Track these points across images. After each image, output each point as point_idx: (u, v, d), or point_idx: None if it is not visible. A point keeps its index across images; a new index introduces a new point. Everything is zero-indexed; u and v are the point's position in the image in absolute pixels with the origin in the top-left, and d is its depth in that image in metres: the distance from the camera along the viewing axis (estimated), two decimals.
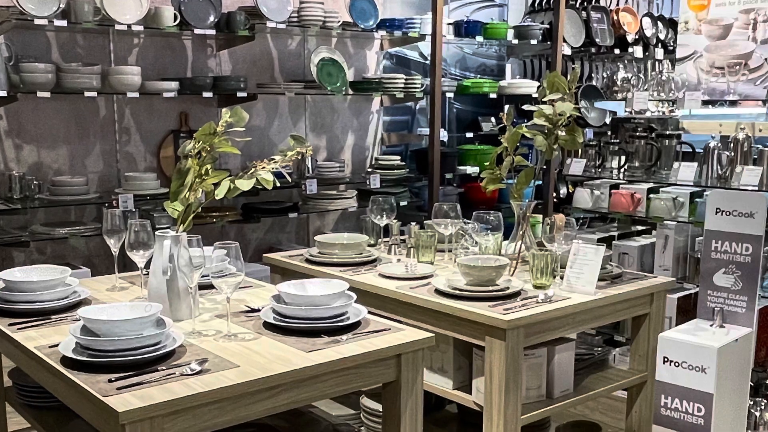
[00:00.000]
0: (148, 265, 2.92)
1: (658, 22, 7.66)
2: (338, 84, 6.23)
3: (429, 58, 6.69)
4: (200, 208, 2.91)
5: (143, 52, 5.79)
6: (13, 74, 5.03)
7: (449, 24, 6.75)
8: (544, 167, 6.48)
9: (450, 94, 6.98)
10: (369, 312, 2.88)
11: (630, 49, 7.41)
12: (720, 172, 5.01)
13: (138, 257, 3.00)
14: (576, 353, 3.51)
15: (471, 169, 6.97)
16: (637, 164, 5.54)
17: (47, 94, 5.07)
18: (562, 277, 3.39)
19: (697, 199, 5.12)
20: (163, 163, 5.95)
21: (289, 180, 3.39)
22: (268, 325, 2.75)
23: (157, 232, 2.86)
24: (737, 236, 3.41)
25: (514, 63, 7.86)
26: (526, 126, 3.73)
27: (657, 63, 7.47)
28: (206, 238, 2.81)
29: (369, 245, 4.05)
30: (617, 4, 7.80)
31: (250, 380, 2.29)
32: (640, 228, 5.91)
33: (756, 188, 4.66)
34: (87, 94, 5.21)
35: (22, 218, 5.30)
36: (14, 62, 5.08)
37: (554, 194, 6.84)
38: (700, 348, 3.24)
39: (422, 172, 6.79)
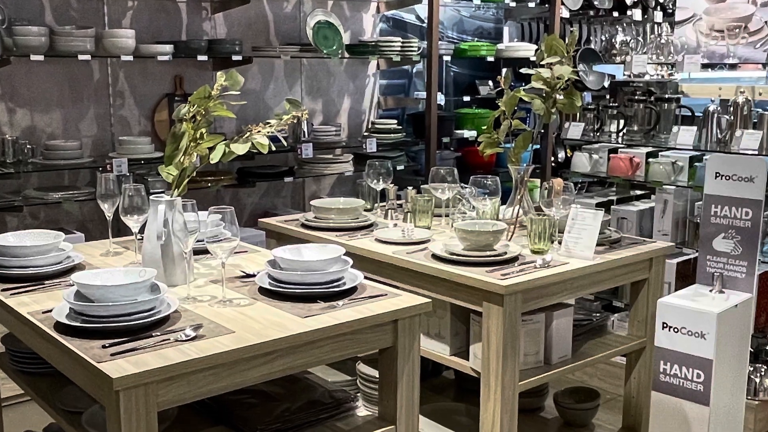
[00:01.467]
0: (142, 230, 2.89)
1: None
2: (334, 47, 6.18)
3: (426, 20, 6.63)
4: (195, 173, 2.88)
5: (137, 15, 5.73)
6: (6, 37, 4.98)
7: None
8: (542, 131, 6.45)
9: (447, 58, 6.92)
10: (365, 277, 2.86)
11: (629, 12, 7.34)
12: (719, 136, 4.98)
13: (132, 222, 2.97)
14: (574, 319, 3.49)
15: (468, 133, 6.94)
16: (635, 128, 5.52)
17: (40, 58, 5.01)
18: (560, 242, 3.37)
19: (697, 164, 5.11)
20: (158, 127, 5.91)
21: (285, 144, 3.36)
22: (263, 291, 2.73)
23: (151, 197, 2.84)
24: (737, 201, 3.38)
25: (511, 26, 7.80)
26: (524, 89, 3.69)
27: (656, 26, 7.40)
28: (201, 203, 2.78)
29: (365, 210, 4.02)
30: None
31: (246, 346, 2.26)
32: (638, 192, 5.90)
33: (756, 152, 4.65)
34: (81, 57, 5.15)
35: (15, 183, 5.27)
36: (7, 25, 5.03)
37: (552, 158, 6.80)
38: (699, 314, 3.22)
39: (419, 136, 6.75)
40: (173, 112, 2.90)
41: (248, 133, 2.80)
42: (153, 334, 2.33)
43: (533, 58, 5.73)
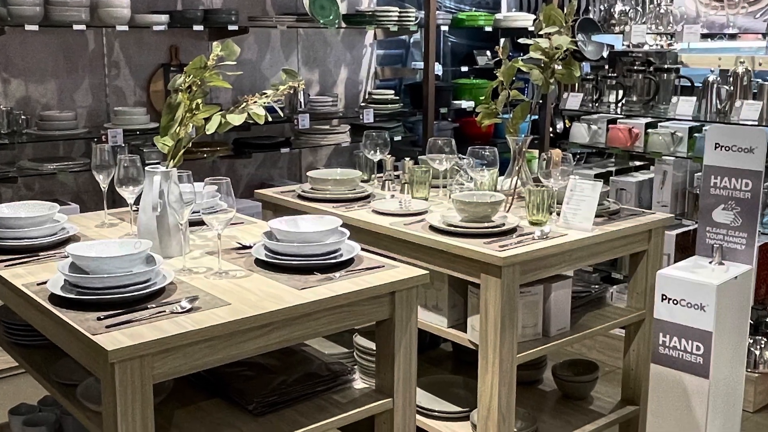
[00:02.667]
0: (137, 201, 2.87)
1: None
2: (331, 17, 6.13)
3: None
4: (191, 144, 2.86)
5: None
6: (0, 7, 4.94)
7: None
8: (541, 102, 6.41)
9: (445, 28, 6.88)
10: (362, 249, 2.84)
11: None
12: (719, 106, 4.96)
13: (127, 193, 2.95)
14: (573, 291, 3.47)
15: (466, 104, 6.91)
16: (634, 98, 5.49)
17: (35, 28, 4.97)
18: (558, 214, 3.35)
19: (696, 134, 5.09)
20: (153, 98, 5.87)
21: (281, 115, 3.33)
22: (259, 262, 2.71)
23: (146, 168, 2.81)
24: (737, 172, 3.36)
25: None
26: (522, 60, 3.66)
27: None
28: (197, 174, 2.75)
29: (362, 181, 4.00)
30: None
31: (242, 318, 2.25)
32: (638, 163, 5.88)
33: (756, 123, 4.62)
34: (75, 27, 5.11)
35: (9, 153, 5.24)
36: None
37: (551, 129, 6.77)
38: (699, 285, 3.21)
39: (416, 106, 6.72)
40: (169, 83, 2.87)
41: (244, 104, 2.78)
42: (148, 306, 2.31)
43: (531, 28, 5.70)
